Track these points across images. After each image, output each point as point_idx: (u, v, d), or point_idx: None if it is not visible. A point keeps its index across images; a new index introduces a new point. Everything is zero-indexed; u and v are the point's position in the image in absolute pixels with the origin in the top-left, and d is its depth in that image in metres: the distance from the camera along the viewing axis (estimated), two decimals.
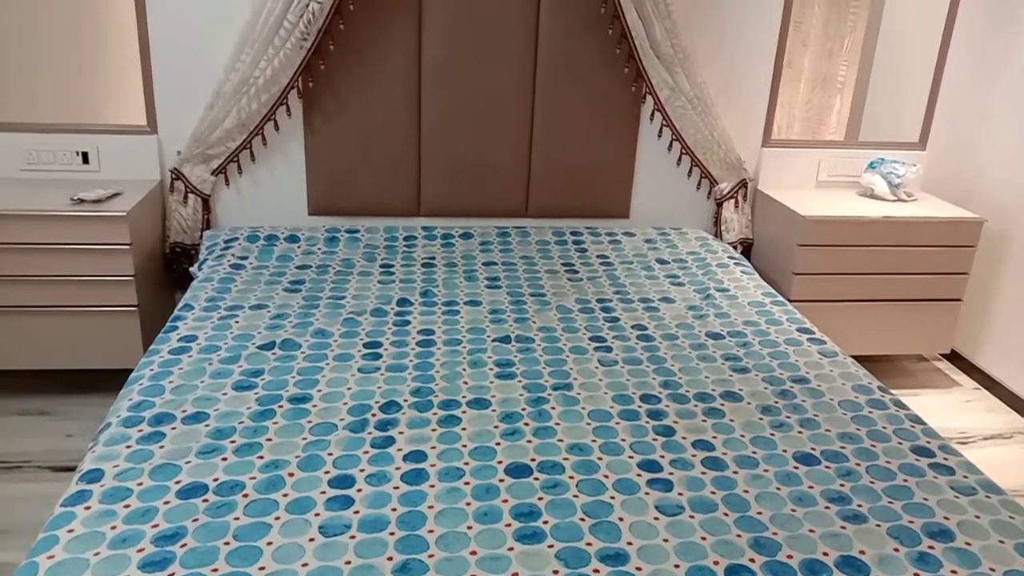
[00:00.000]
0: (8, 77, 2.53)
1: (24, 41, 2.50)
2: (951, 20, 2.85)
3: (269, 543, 1.26)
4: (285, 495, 1.37)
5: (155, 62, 2.51)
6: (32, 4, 2.47)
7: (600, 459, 1.50)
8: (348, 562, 1.22)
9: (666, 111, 2.67)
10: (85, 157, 2.57)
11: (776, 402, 1.74)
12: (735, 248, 2.84)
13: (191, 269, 2.46)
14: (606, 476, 1.45)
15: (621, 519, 1.34)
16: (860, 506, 1.41)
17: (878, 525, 1.36)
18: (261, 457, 1.47)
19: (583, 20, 2.56)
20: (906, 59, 2.99)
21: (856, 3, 3.01)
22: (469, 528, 1.31)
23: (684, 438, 1.59)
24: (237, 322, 2.00)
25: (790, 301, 2.61)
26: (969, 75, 2.89)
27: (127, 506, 1.32)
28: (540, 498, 1.38)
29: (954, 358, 3.04)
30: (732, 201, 2.84)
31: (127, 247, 2.32)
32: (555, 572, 1.22)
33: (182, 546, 1.24)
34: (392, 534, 1.29)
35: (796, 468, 1.51)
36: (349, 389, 1.71)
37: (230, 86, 2.45)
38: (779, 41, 2.78)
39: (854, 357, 2.64)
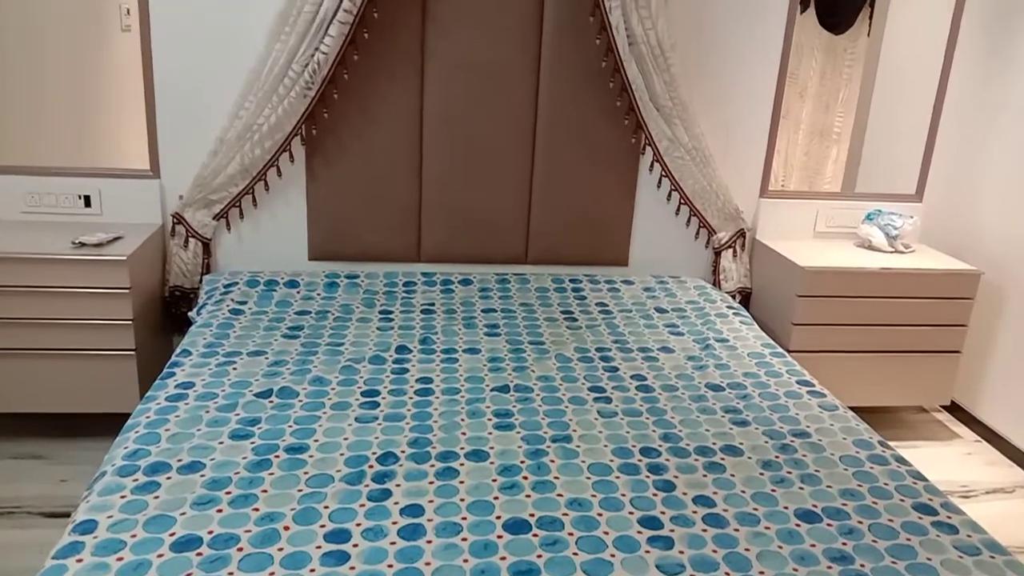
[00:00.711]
0: (11, 119, 2.56)
1: (28, 83, 2.54)
2: (945, 73, 2.91)
3: None
4: (280, 549, 1.35)
5: (159, 107, 2.54)
6: (37, 47, 2.50)
7: (600, 515, 1.48)
8: None
9: (665, 162, 2.70)
10: (87, 200, 2.58)
11: (777, 457, 1.73)
12: (734, 297, 2.84)
13: (190, 314, 2.46)
14: (606, 533, 1.44)
15: None
16: (863, 566, 1.39)
17: None
18: (256, 509, 1.45)
19: (584, 73, 2.61)
20: (902, 111, 3.04)
21: (851, 56, 3.07)
22: None
23: (685, 493, 1.57)
24: (235, 369, 1.99)
25: (789, 352, 2.61)
26: (965, 128, 2.94)
27: (120, 559, 1.30)
28: (539, 555, 1.36)
29: (954, 410, 3.03)
30: (730, 251, 2.86)
31: (126, 291, 2.32)
32: None
33: None
34: None
35: (798, 526, 1.49)
36: (346, 439, 1.70)
37: (234, 132, 2.48)
38: (776, 93, 2.83)
39: (854, 408, 2.64)
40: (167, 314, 2.65)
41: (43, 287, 2.28)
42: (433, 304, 2.52)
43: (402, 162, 2.64)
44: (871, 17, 2.99)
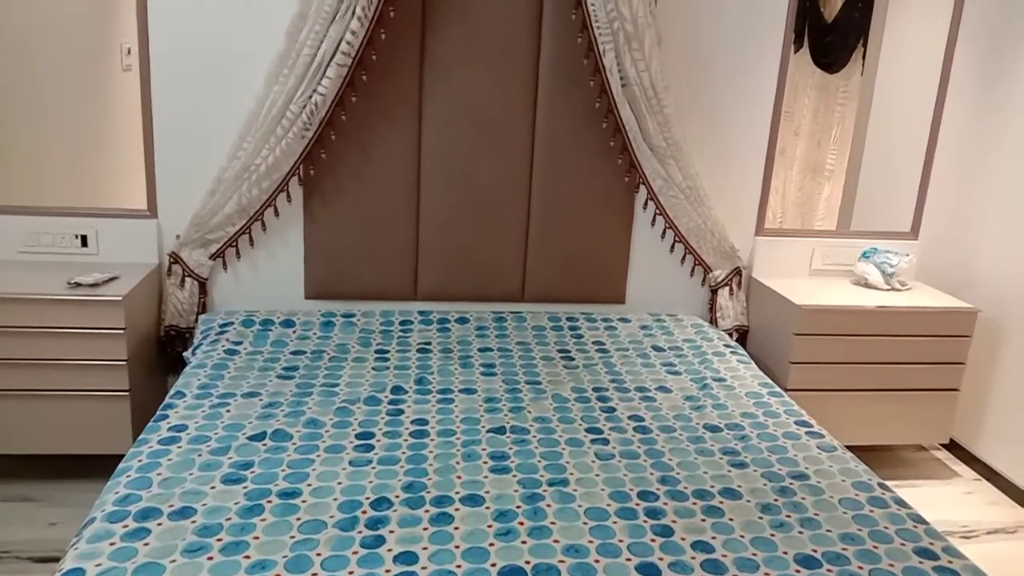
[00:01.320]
0: (11, 159, 2.57)
1: (29, 123, 2.55)
2: (939, 111, 2.93)
3: None
4: None
5: (158, 147, 2.56)
6: (38, 86, 2.53)
7: (597, 562, 1.46)
8: None
9: (659, 200, 2.72)
10: (84, 240, 2.59)
11: (776, 500, 1.71)
12: (731, 335, 2.84)
13: (185, 354, 2.45)
14: None
15: None
16: None
17: None
18: (248, 557, 1.42)
19: (578, 114, 2.63)
20: (896, 149, 3.06)
21: (844, 94, 3.11)
22: None
23: (683, 539, 1.55)
24: (228, 411, 1.98)
25: (787, 390, 2.60)
26: (959, 166, 2.96)
27: None
28: None
29: (953, 448, 3.00)
30: (727, 288, 2.86)
31: (121, 331, 2.31)
32: None
33: None
34: None
35: (798, 572, 1.47)
36: (340, 483, 1.68)
37: (232, 173, 2.49)
38: (771, 132, 2.85)
39: (852, 447, 2.62)
40: (162, 354, 2.64)
41: (37, 327, 2.27)
42: (429, 343, 2.51)
43: (399, 201, 2.65)
44: (864, 56, 3.03)
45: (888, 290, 2.82)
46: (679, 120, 2.64)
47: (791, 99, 2.91)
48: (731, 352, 2.57)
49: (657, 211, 2.75)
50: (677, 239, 2.81)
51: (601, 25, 2.42)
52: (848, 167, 3.10)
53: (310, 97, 2.40)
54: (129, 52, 2.55)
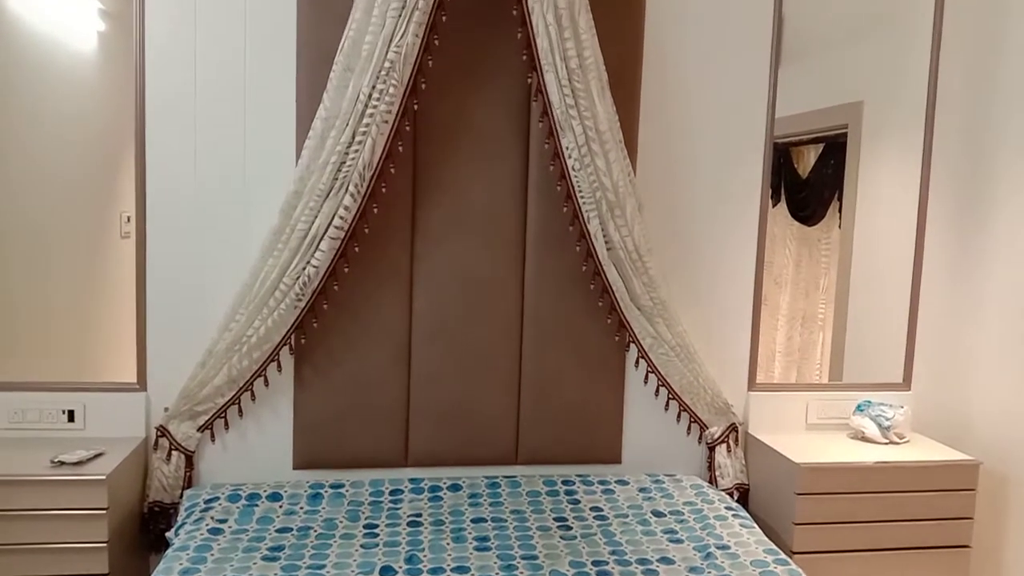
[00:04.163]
0: (3, 333, 2.58)
1: (23, 295, 2.59)
2: (918, 264, 2.98)
3: None
4: None
5: (150, 318, 2.58)
6: (36, 258, 2.58)
7: None
8: None
9: (650, 359, 2.73)
10: (71, 415, 2.56)
11: None
12: (731, 495, 2.76)
13: (168, 534, 2.36)
14: None
15: None
16: None
17: None
18: None
19: (566, 276, 2.69)
20: (880, 300, 3.11)
21: (826, 246, 3.19)
22: None
23: None
24: None
25: (793, 554, 2.50)
26: (944, 315, 2.99)
27: None
28: None
29: None
30: (724, 445, 2.82)
31: (103, 512, 2.24)
32: None
33: None
34: None
35: None
36: None
37: (223, 344, 2.50)
38: (755, 286, 2.90)
39: None
40: (145, 531, 2.54)
41: (15, 510, 2.20)
42: (420, 515, 2.43)
43: (390, 367, 2.65)
44: (840, 211, 3.13)
45: (886, 444, 2.78)
46: (664, 280, 2.69)
47: (772, 251, 2.97)
48: (733, 515, 2.50)
49: (649, 369, 2.75)
50: (671, 396, 2.79)
51: (585, 195, 2.52)
52: (835, 318, 3.14)
53: (303, 269, 2.45)
54: (129, 220, 2.62)
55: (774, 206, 3.03)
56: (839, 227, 3.14)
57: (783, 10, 2.82)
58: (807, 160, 3.20)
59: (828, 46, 3.10)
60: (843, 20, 3.08)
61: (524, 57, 2.43)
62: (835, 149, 3.11)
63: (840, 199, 3.13)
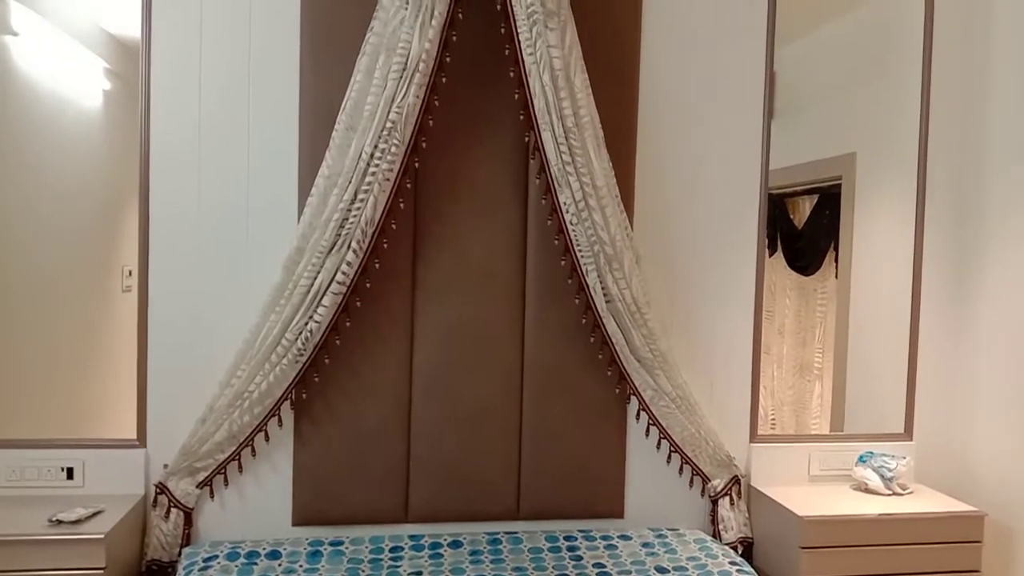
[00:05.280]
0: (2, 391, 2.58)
1: (21, 350, 2.59)
2: (915, 314, 2.99)
3: None
4: None
5: (151, 373, 2.59)
6: (40, 313, 2.59)
7: None
8: None
9: (652, 411, 2.72)
10: (70, 472, 2.54)
11: None
12: (735, 549, 2.73)
13: None
14: None
15: None
16: None
17: None
18: None
19: (566, 329, 2.70)
20: (879, 349, 3.10)
21: (823, 295, 3.21)
22: None
23: None
24: None
25: None
26: (943, 364, 2.99)
27: None
28: None
29: None
30: (727, 498, 2.79)
31: (101, 571, 2.22)
32: None
33: None
34: None
35: None
36: None
37: (224, 400, 2.50)
38: (754, 339, 2.91)
39: None
40: None
41: (14, 571, 2.17)
42: (421, 573, 2.40)
43: (391, 422, 2.65)
44: (837, 260, 3.16)
45: (890, 495, 2.76)
46: (664, 331, 2.71)
47: (771, 300, 2.99)
48: (737, 570, 2.46)
49: (650, 421, 2.75)
50: (673, 449, 2.78)
51: (583, 248, 2.55)
52: (835, 367, 3.14)
53: (306, 325, 2.46)
54: (130, 274, 2.65)
55: (771, 256, 3.06)
56: (836, 277, 3.16)
57: (774, 66, 2.89)
58: (802, 211, 3.24)
59: (819, 99, 3.17)
60: (833, 74, 3.16)
61: (522, 116, 2.49)
62: (830, 199, 3.16)
63: (836, 249, 3.16)
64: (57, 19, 2.63)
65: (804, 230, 3.24)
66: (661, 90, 2.80)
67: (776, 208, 3.04)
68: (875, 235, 3.10)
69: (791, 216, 3.24)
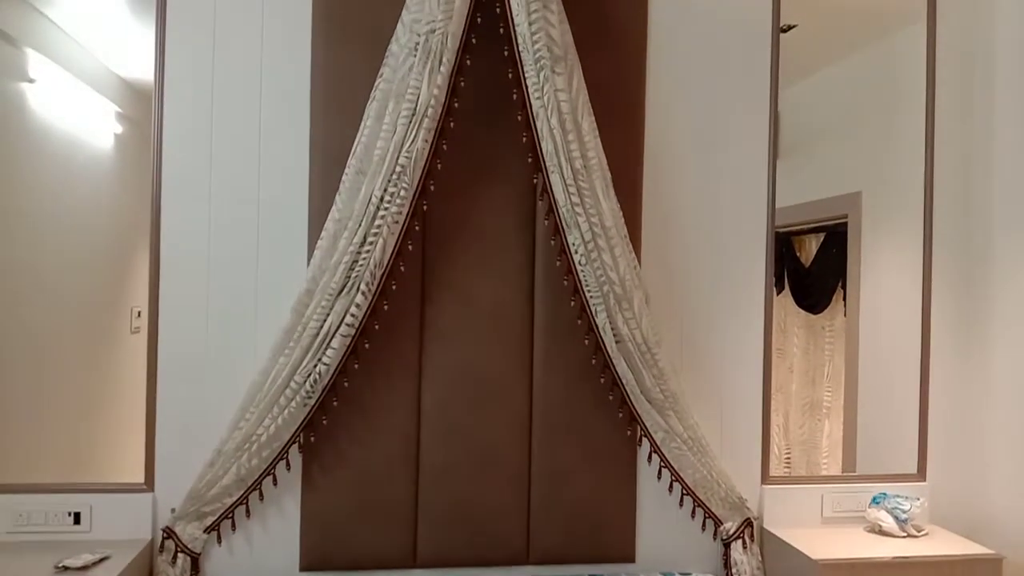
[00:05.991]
0: (9, 435, 2.57)
1: (29, 397, 2.59)
2: (926, 348, 2.97)
3: None
4: None
5: (160, 416, 2.58)
6: (43, 356, 2.59)
7: None
8: None
9: (663, 453, 2.70)
10: (77, 517, 2.53)
11: None
12: None
13: None
14: None
15: None
16: None
17: None
18: None
19: (575, 370, 2.69)
20: (890, 387, 3.08)
21: (831, 333, 3.20)
22: None
23: None
24: None
25: None
26: (955, 403, 2.97)
27: None
28: None
29: None
30: (740, 541, 2.75)
31: None
32: None
33: None
34: None
35: None
36: None
37: (232, 444, 2.49)
38: (764, 377, 2.89)
39: None
40: None
41: None
42: None
43: (399, 465, 2.63)
44: (845, 298, 3.15)
45: (904, 537, 2.72)
46: (674, 372, 2.69)
47: (781, 338, 2.98)
48: None
49: (662, 464, 2.72)
50: (684, 492, 2.75)
51: (592, 289, 2.55)
52: (845, 406, 3.12)
53: (315, 367, 2.46)
54: (139, 315, 2.65)
55: (778, 294, 3.06)
56: (844, 315, 3.15)
57: (779, 106, 2.91)
58: (809, 249, 3.25)
59: (824, 138, 3.19)
60: (837, 113, 3.18)
61: (530, 159, 2.51)
62: (836, 238, 3.16)
63: (844, 286, 3.16)
64: (71, 65, 2.67)
65: (811, 268, 3.25)
66: (667, 131, 2.82)
67: (783, 246, 3.04)
68: (883, 273, 3.10)
69: (798, 254, 3.25)
